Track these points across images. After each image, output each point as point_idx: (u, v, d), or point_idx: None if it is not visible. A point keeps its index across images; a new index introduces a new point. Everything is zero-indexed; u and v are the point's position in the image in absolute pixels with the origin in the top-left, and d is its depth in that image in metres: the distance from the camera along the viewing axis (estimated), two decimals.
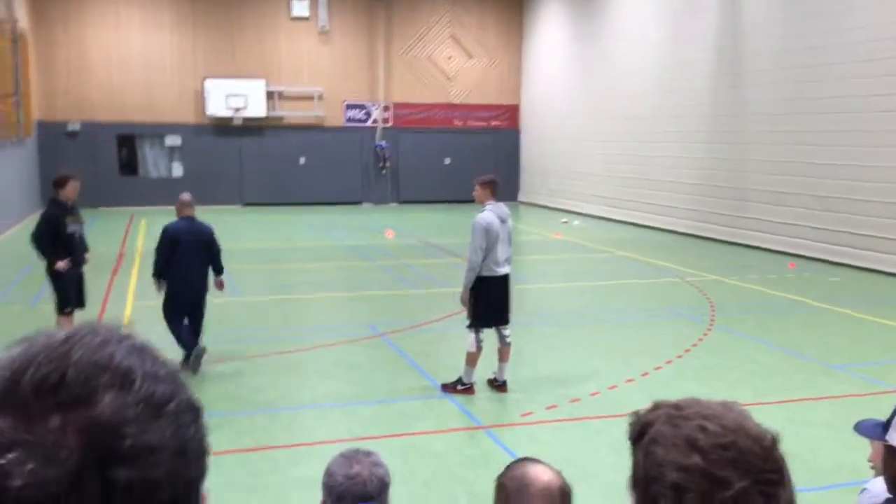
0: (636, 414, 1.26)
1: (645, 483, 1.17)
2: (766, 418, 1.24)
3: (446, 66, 28.93)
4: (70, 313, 8.61)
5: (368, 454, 2.78)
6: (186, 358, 8.02)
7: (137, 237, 18.91)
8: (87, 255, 8.94)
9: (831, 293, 12.81)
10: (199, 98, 26.36)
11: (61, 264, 8.41)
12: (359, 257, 16.66)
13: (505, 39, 29.45)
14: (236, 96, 26.28)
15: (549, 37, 27.59)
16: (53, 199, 8.63)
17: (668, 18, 20.87)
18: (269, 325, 10.78)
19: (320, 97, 27.67)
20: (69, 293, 8.59)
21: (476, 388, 7.79)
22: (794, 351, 9.40)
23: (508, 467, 2.32)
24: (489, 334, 7.84)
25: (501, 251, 7.68)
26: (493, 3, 29.09)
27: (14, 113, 19.61)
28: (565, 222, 23.05)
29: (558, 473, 2.24)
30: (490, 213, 7.65)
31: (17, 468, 0.65)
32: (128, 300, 11.97)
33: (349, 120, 28.27)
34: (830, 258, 15.61)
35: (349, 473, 2.66)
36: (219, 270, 8.76)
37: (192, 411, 0.77)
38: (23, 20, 21.69)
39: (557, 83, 27.02)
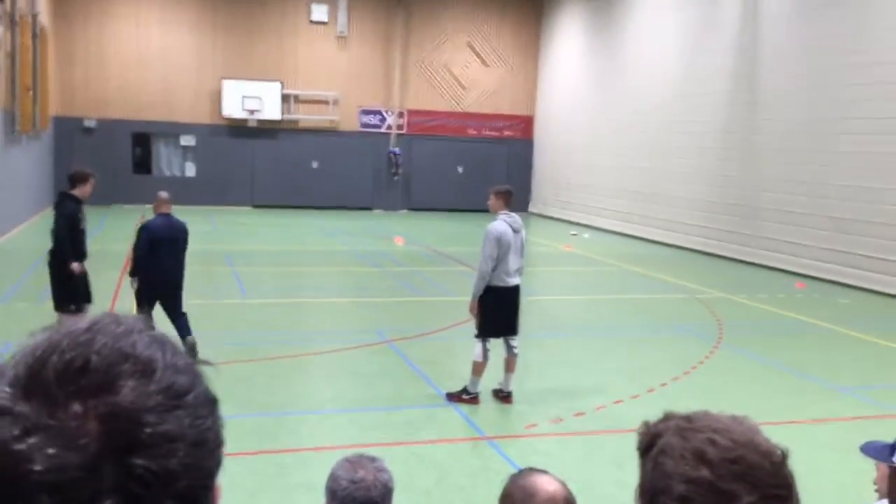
0: (646, 424, 1.26)
1: (652, 494, 1.17)
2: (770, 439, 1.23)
3: (462, 75, 29.01)
4: (77, 310, 8.50)
5: (373, 460, 2.79)
6: None
7: None
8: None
9: (840, 315, 12.74)
10: (216, 98, 26.50)
11: (77, 266, 8.40)
12: (368, 263, 16.68)
13: (521, 50, 29.51)
14: (252, 98, 26.42)
15: (565, 49, 27.64)
16: (68, 194, 8.48)
17: (685, 34, 20.87)
18: (277, 328, 10.80)
19: (335, 102, 27.78)
20: (79, 290, 8.55)
21: (481, 398, 7.78)
22: (800, 371, 9.35)
23: (514, 477, 2.33)
24: (496, 344, 7.83)
25: (513, 261, 7.67)
26: (510, 14, 29.16)
27: (31, 107, 19.75)
28: (575, 235, 23.03)
29: (563, 484, 2.24)
30: (503, 222, 7.65)
31: (37, 453, 0.66)
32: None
33: (363, 125, 28.36)
34: (841, 280, 15.54)
35: (354, 478, 2.67)
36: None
37: (210, 403, 0.78)
38: (44, 15, 21.87)
39: (572, 95, 27.05)
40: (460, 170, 29.09)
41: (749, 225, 18.32)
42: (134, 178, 26.16)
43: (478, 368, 7.69)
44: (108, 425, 0.68)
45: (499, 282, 7.63)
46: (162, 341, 0.77)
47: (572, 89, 27.06)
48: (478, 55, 29.09)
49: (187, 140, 26.67)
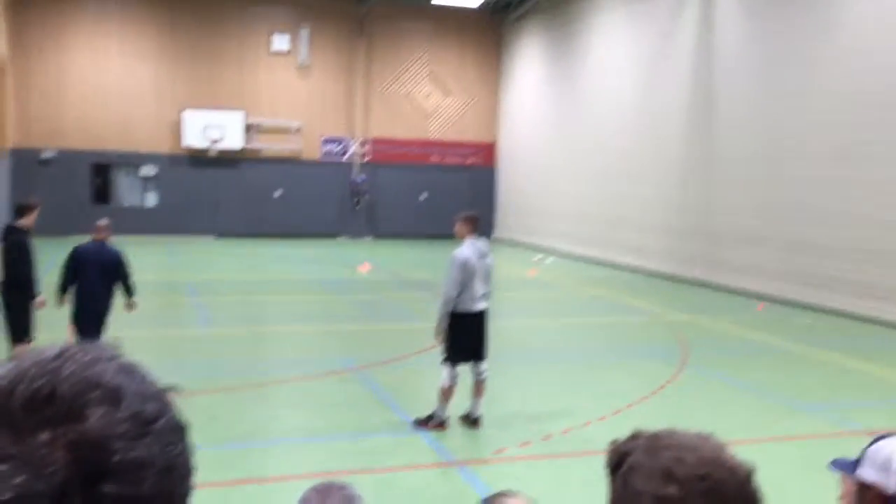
0: (615, 443, 1.27)
1: None
2: None
3: (424, 103, 29.20)
4: (30, 341, 8.43)
5: (342, 487, 2.75)
6: None
7: None
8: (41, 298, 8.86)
9: (800, 335, 12.96)
10: (177, 128, 26.33)
11: (41, 300, 8.41)
12: (333, 291, 16.60)
13: (483, 78, 29.82)
14: (214, 128, 26.30)
15: (526, 77, 27.99)
16: (14, 226, 8.46)
17: (642, 62, 21.26)
18: (242, 356, 10.68)
19: (298, 130, 27.76)
20: (31, 321, 8.47)
21: (449, 423, 7.75)
22: (763, 391, 9.47)
23: (484, 500, 2.32)
24: (464, 370, 7.82)
25: (479, 287, 7.69)
26: (471, 43, 29.48)
27: None
28: (539, 259, 23.17)
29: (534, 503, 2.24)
30: (468, 248, 7.68)
31: (5, 482, 0.65)
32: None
33: (326, 154, 28.36)
34: (801, 299, 15.81)
35: None
36: (129, 293, 8.93)
37: (179, 430, 0.77)
38: (1, 45, 21.62)
39: (533, 123, 27.36)
40: (423, 196, 29.18)
41: (709, 248, 18.60)
42: (93, 208, 25.80)
43: (445, 394, 7.67)
44: (76, 453, 0.68)
45: (465, 307, 7.64)
46: (130, 369, 0.77)
47: (533, 116, 27.37)
48: (440, 83, 29.32)
49: (147, 170, 26.44)
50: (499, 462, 7.04)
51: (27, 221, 8.48)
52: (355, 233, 28.62)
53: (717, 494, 1.14)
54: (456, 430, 7.74)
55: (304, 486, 2.80)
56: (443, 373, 7.69)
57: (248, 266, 20.35)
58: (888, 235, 14.05)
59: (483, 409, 7.88)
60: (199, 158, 26.73)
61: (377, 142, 28.82)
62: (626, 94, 21.97)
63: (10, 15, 24.05)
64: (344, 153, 28.49)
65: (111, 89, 25.83)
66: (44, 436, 0.68)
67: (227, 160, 27.00)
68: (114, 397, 0.72)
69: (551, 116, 26.25)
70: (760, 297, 16.50)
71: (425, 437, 7.51)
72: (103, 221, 9.06)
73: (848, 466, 2.86)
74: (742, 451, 1.22)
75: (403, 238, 28.32)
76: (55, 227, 22.40)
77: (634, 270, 20.90)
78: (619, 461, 1.22)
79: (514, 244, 27.79)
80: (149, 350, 10.18)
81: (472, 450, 7.40)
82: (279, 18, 27.32)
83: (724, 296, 17.14)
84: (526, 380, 9.77)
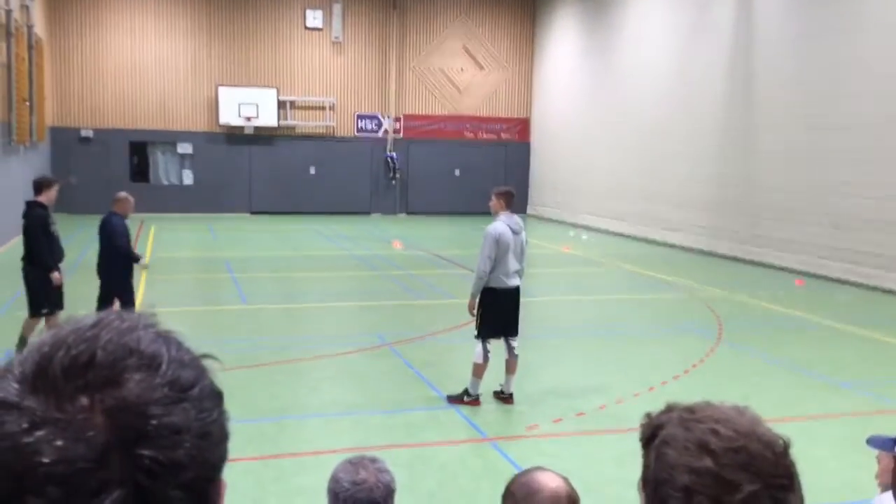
0: (648, 416, 1.26)
1: (655, 485, 1.17)
2: None
3: (458, 78, 29.05)
4: (47, 314, 8.69)
5: (374, 461, 2.79)
6: None
7: (147, 243, 19.00)
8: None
9: (839, 311, 12.76)
10: (213, 106, 26.52)
11: (57, 277, 8.62)
12: (366, 267, 16.69)
13: (517, 52, 29.56)
14: (248, 105, 26.45)
15: (560, 50, 27.69)
16: (35, 201, 8.71)
17: (681, 34, 20.91)
18: (277, 333, 10.81)
19: (332, 107, 27.80)
20: (48, 295, 8.68)
21: (482, 399, 7.78)
22: (800, 368, 9.36)
23: (517, 475, 2.33)
24: (497, 346, 7.84)
25: (512, 263, 7.67)
26: (505, 17, 29.21)
27: (28, 118, 19.74)
28: (573, 236, 23.05)
29: (566, 480, 2.24)
30: (502, 223, 7.66)
31: (45, 445, 0.67)
32: (137, 305, 11.99)
33: (360, 130, 28.38)
34: (840, 276, 15.56)
35: (355, 479, 2.67)
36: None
37: (215, 397, 0.79)
38: (39, 26, 21.89)
39: (568, 97, 27.09)
40: (457, 173, 29.12)
41: (747, 223, 18.35)
42: (132, 186, 26.10)
43: (478, 370, 7.69)
44: (114, 418, 0.70)
45: (498, 283, 7.63)
46: (167, 337, 0.78)
47: (568, 91, 27.10)
48: (473, 58, 29.14)
49: (184, 148, 26.68)
50: (532, 438, 7.05)
51: (47, 197, 8.75)
52: (388, 209, 28.67)
53: (753, 467, 1.13)
54: (489, 406, 7.77)
55: (338, 460, 2.84)
56: (475, 348, 7.72)
57: (282, 243, 20.52)
58: None
59: (516, 385, 7.90)
60: (234, 136, 26.92)
61: (410, 118, 28.76)
62: (662, 66, 21.64)
63: None
64: (377, 129, 28.50)
65: (148, 68, 26.05)
66: (83, 401, 0.70)
67: (261, 137, 27.15)
68: (151, 364, 0.74)
69: (586, 91, 25.97)
70: (799, 274, 16.26)
71: (459, 413, 7.56)
72: (124, 194, 9.70)
73: (886, 443, 2.82)
74: (777, 427, 1.21)
75: (437, 215, 28.32)
76: (94, 206, 22.73)
77: (671, 246, 20.70)
78: (653, 434, 1.22)
79: (548, 220, 27.66)
80: (186, 325, 10.33)
81: (505, 426, 7.43)
82: None
83: (763, 272, 16.92)
84: (559, 356, 9.76)
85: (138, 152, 26.58)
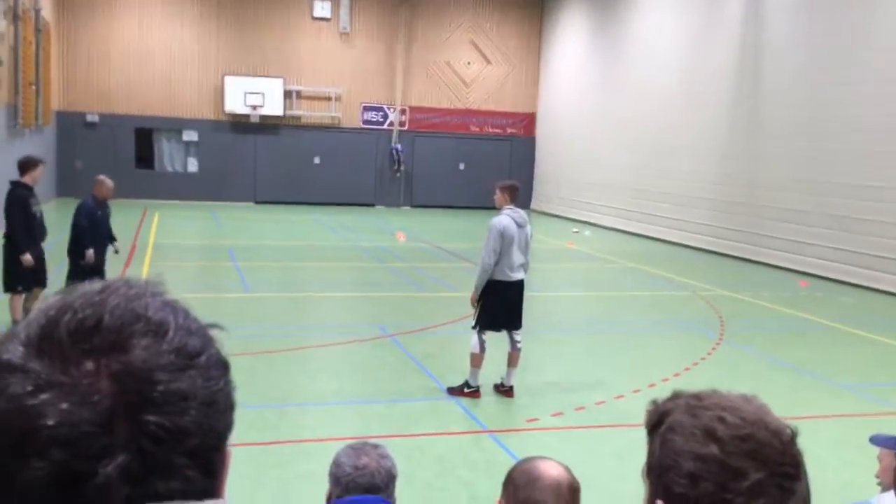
0: (655, 402, 1.26)
1: (660, 471, 1.17)
2: None
3: (465, 72, 29.00)
4: (23, 292, 8.84)
5: (376, 447, 2.80)
6: None
7: (150, 229, 19.02)
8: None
9: (843, 313, 12.74)
10: (219, 94, 26.50)
11: (27, 259, 8.71)
12: (370, 258, 16.69)
13: (524, 47, 29.50)
14: (255, 94, 26.42)
15: (568, 46, 27.62)
16: (19, 181, 8.85)
17: (688, 32, 20.85)
18: (279, 321, 10.82)
19: (338, 98, 27.78)
20: (27, 274, 8.79)
21: (482, 391, 7.78)
22: (802, 368, 9.35)
23: (518, 463, 2.33)
24: (499, 339, 7.83)
25: (516, 256, 7.66)
26: (513, 11, 29.14)
27: (34, 101, 19.75)
28: (576, 232, 23.03)
29: (567, 469, 2.24)
30: (507, 216, 7.65)
31: (50, 408, 0.67)
32: None
33: (366, 122, 28.35)
34: (845, 278, 15.53)
35: (357, 464, 2.67)
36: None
37: (222, 366, 0.78)
38: (47, 10, 21.88)
39: (574, 93, 27.03)
40: (462, 166, 29.08)
41: (752, 223, 18.31)
42: (136, 172, 26.16)
43: (476, 360, 7.69)
44: (120, 383, 0.69)
45: (502, 276, 7.62)
46: (174, 304, 0.78)
47: (575, 86, 27.04)
48: (480, 52, 29.08)
49: (190, 135, 26.67)
50: (531, 431, 7.06)
51: (31, 178, 8.90)
52: (392, 202, 28.66)
53: (760, 455, 1.12)
54: (489, 399, 7.77)
55: (338, 448, 2.84)
56: (472, 339, 7.72)
57: (286, 232, 20.52)
58: None
59: (516, 378, 7.90)
60: (240, 124, 26.90)
61: (416, 110, 28.73)
62: (670, 63, 21.58)
63: None
64: (383, 121, 28.47)
65: (155, 54, 26.03)
66: (88, 365, 0.69)
67: (267, 126, 27.13)
68: (158, 330, 0.73)
69: (593, 87, 25.91)
70: (804, 275, 16.23)
71: (459, 404, 7.56)
72: (102, 177, 9.93)
73: (889, 441, 2.82)
74: None
75: (441, 208, 28.31)
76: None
77: (674, 244, 20.67)
78: (659, 420, 1.21)
79: (552, 216, 27.62)
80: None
81: (505, 418, 7.43)
82: None
83: (767, 272, 16.90)
84: (561, 351, 9.76)
85: (143, 139, 26.58)
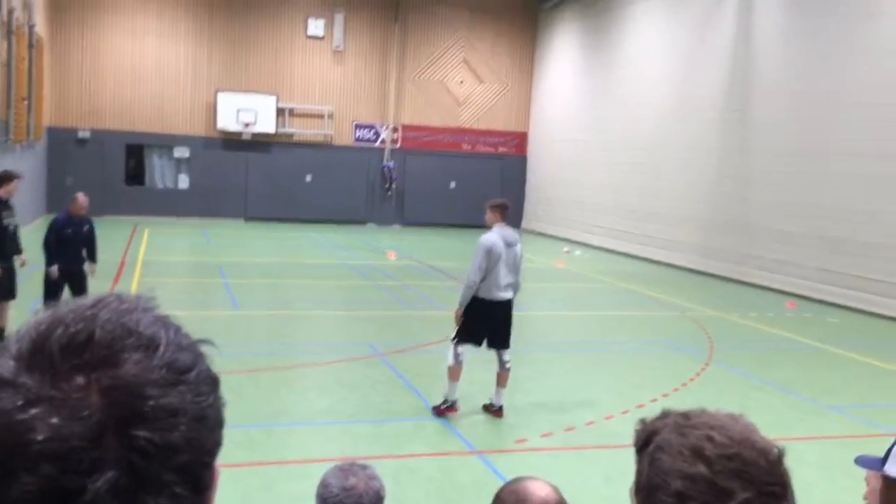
0: (643, 421, 1.26)
1: (648, 490, 1.17)
2: None
3: (457, 91, 29.14)
4: None
5: (364, 467, 2.78)
6: None
7: (140, 246, 18.95)
8: (23, 256, 9.60)
9: (830, 334, 12.79)
10: (211, 111, 26.51)
11: None
12: (360, 276, 16.67)
13: (517, 67, 29.68)
14: (247, 111, 26.45)
15: (560, 66, 27.81)
16: None
17: (679, 53, 21.03)
18: (268, 340, 10.77)
19: (330, 116, 27.84)
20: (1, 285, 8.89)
21: (467, 410, 7.75)
22: (789, 389, 9.37)
23: (507, 483, 2.32)
24: (489, 359, 7.81)
25: (504, 275, 7.64)
26: (506, 31, 29.35)
27: (26, 117, 19.71)
28: (567, 251, 23.07)
29: (556, 489, 2.24)
30: (496, 234, 7.66)
31: (40, 423, 0.67)
32: None
33: (358, 139, 28.41)
34: (832, 300, 15.60)
35: (345, 485, 2.65)
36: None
37: (212, 382, 0.78)
38: (40, 25, 21.88)
39: (566, 113, 27.18)
40: (453, 185, 29.15)
41: (741, 244, 18.40)
42: (126, 189, 26.10)
43: (452, 373, 7.64)
44: (110, 397, 0.69)
45: (487, 294, 7.59)
46: (165, 320, 0.78)
47: (566, 106, 27.20)
48: (473, 71, 29.24)
49: (181, 152, 26.64)
50: (520, 452, 7.04)
51: (6, 191, 9.07)
52: (383, 220, 28.67)
53: (747, 475, 1.13)
54: (478, 419, 7.74)
55: (326, 468, 2.83)
56: (448, 351, 7.70)
57: (276, 250, 20.49)
58: None
59: (506, 399, 7.88)
60: (231, 141, 26.90)
61: (408, 128, 28.81)
62: (662, 84, 21.74)
63: None
64: (375, 139, 28.53)
65: (147, 70, 26.04)
66: (79, 379, 0.69)
67: (259, 144, 27.14)
68: (149, 345, 0.73)
69: (585, 107, 26.07)
70: (792, 296, 16.30)
71: (447, 425, 7.53)
72: (78, 194, 9.97)
73: (875, 463, 2.82)
74: None
75: (432, 226, 28.33)
76: (89, 207, 22.67)
77: (664, 264, 20.74)
78: (648, 439, 1.21)
79: (542, 235, 27.69)
80: None
81: (494, 439, 7.40)
82: (314, 3, 27.36)
83: (755, 293, 16.96)
84: (550, 371, 9.75)
85: (135, 155, 26.54)
